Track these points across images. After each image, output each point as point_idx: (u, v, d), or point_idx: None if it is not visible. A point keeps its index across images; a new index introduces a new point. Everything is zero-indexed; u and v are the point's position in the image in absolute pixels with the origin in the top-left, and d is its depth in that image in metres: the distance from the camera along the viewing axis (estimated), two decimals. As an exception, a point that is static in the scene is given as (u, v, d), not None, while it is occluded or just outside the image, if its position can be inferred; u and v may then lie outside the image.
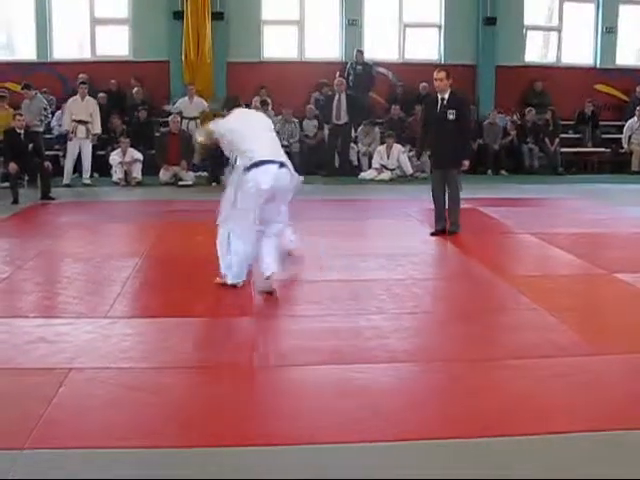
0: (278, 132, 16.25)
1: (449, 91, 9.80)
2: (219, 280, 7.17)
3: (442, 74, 9.81)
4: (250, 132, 6.98)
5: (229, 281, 7.09)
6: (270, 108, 17.19)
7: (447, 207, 10.04)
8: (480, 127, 17.38)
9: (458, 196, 10.01)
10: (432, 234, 9.95)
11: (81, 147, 15.14)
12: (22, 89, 15.40)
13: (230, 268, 7.07)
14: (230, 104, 7.38)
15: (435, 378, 5.17)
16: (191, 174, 15.39)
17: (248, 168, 6.82)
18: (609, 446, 4.11)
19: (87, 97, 15.27)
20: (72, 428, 4.34)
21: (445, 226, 9.96)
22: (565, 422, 4.38)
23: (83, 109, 15.11)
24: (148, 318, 6.50)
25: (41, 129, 15.16)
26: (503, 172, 17.08)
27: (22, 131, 13.27)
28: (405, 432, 4.28)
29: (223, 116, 7.28)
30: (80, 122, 15.06)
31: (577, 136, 18.53)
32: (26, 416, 4.42)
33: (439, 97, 9.85)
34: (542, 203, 13.33)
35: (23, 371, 5.19)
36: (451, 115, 9.70)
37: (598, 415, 4.47)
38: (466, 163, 9.94)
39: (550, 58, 19.62)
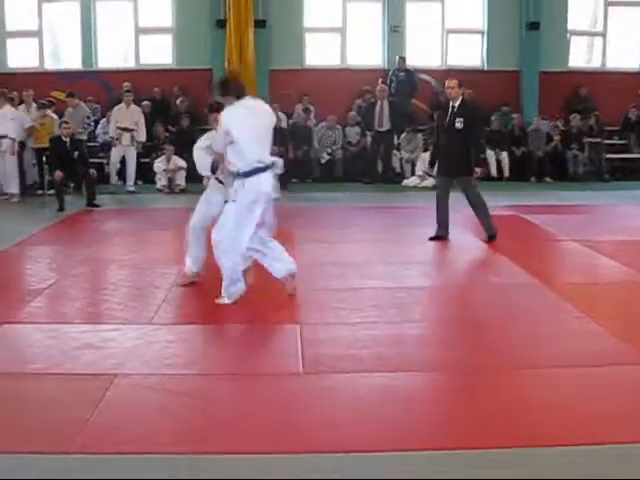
0: (321, 139, 16.59)
1: (460, 99, 9.86)
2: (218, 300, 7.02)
3: (454, 82, 9.89)
4: (246, 134, 6.67)
5: (226, 301, 6.96)
6: (312, 116, 17.26)
7: (475, 215, 10.09)
8: (524, 133, 17.27)
9: (482, 201, 10.01)
10: (430, 239, 10.00)
11: (125, 154, 15.30)
12: (66, 97, 15.57)
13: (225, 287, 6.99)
14: (232, 91, 6.82)
15: (479, 387, 5.12)
16: (234, 181, 15.40)
17: (243, 175, 6.72)
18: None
19: (132, 105, 15.42)
20: (118, 433, 4.38)
21: (444, 233, 10.07)
22: (613, 432, 4.33)
23: (128, 117, 15.26)
24: (192, 325, 6.55)
25: (85, 137, 15.31)
26: (547, 179, 16.92)
27: (68, 139, 13.41)
28: (448, 441, 4.27)
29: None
30: (125, 130, 15.21)
31: (622, 142, 18.29)
32: (73, 421, 4.48)
33: (450, 105, 9.93)
34: (587, 210, 13.18)
35: (70, 376, 5.26)
36: (458, 123, 9.74)
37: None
38: (477, 170, 9.92)
39: (595, 63, 19.42)
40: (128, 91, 15.73)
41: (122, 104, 15.41)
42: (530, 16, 18.30)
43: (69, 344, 5.97)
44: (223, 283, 6.98)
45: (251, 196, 6.69)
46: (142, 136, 15.44)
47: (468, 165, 9.83)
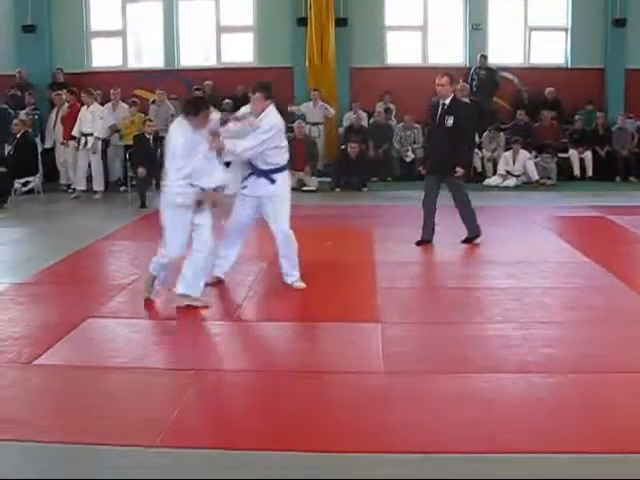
0: (400, 139, 16.49)
1: (451, 97, 9.51)
2: None
3: (445, 79, 9.47)
4: None
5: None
6: (393, 116, 17.18)
7: (460, 216, 9.74)
8: (608, 132, 16.91)
9: (467, 201, 9.69)
10: (417, 243, 9.61)
11: None
12: (159, 92, 15.87)
13: None
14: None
15: (568, 390, 5.01)
16: (315, 179, 15.42)
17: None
18: None
19: None
20: (200, 429, 4.42)
21: (431, 237, 9.68)
22: None
23: None
24: (275, 322, 6.54)
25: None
26: (632, 179, 16.52)
27: (151, 137, 13.56)
28: (531, 444, 4.20)
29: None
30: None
31: None
32: (157, 415, 4.52)
33: (440, 102, 9.57)
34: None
35: (152, 370, 5.32)
36: (449, 121, 9.39)
37: None
38: (460, 170, 9.54)
39: (684, 60, 18.90)
40: (198, 89, 15.76)
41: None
42: (616, 12, 17.86)
43: (151, 339, 6.05)
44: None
45: None
46: None
47: (456, 164, 9.51)
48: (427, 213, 9.71)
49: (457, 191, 9.69)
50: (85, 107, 14.41)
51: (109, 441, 4.18)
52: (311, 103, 16.74)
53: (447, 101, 9.50)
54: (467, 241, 9.67)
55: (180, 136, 6.67)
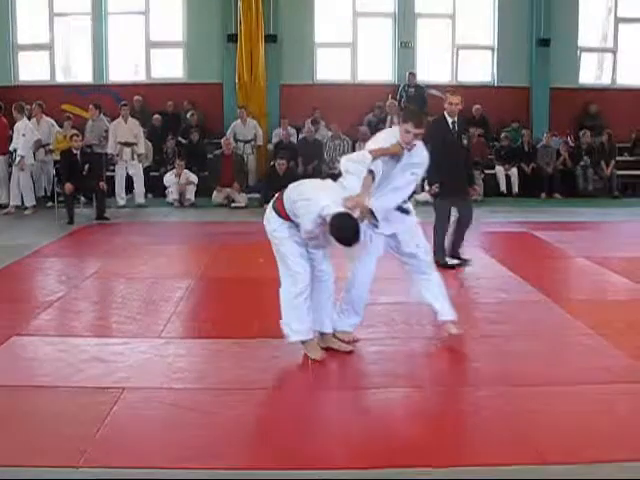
0: (329, 150, 16.51)
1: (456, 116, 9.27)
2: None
3: (459, 98, 9.12)
4: None
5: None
6: (323, 126, 17.26)
7: (457, 235, 9.43)
8: (534, 150, 17.25)
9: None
10: (453, 266, 9.27)
11: (128, 169, 15.17)
12: (94, 107, 15.66)
13: None
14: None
15: (489, 403, 5.08)
16: (244, 196, 15.44)
17: None
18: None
19: (130, 119, 15.28)
20: (125, 448, 4.38)
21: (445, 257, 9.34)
22: (627, 450, 4.31)
23: (127, 131, 15.13)
24: (202, 339, 6.51)
25: (107, 150, 15.25)
26: (557, 195, 16.86)
27: (78, 152, 13.41)
28: (458, 457, 4.27)
29: None
30: (125, 144, 15.10)
31: (633, 159, 18.21)
32: (80, 435, 4.47)
33: (449, 121, 9.12)
34: (597, 227, 13.15)
35: (78, 390, 5.25)
36: (465, 140, 9.30)
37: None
38: (477, 189, 9.49)
39: (605, 80, 19.41)
40: (124, 105, 15.55)
41: (120, 118, 15.31)
42: (540, 32, 18.33)
43: (77, 357, 5.97)
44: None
45: None
46: (142, 149, 15.30)
47: (470, 183, 9.58)
48: (443, 235, 9.32)
49: (469, 211, 9.44)
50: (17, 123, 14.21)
51: (31, 462, 4.12)
52: (239, 121, 16.74)
53: (455, 119, 9.17)
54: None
55: None
